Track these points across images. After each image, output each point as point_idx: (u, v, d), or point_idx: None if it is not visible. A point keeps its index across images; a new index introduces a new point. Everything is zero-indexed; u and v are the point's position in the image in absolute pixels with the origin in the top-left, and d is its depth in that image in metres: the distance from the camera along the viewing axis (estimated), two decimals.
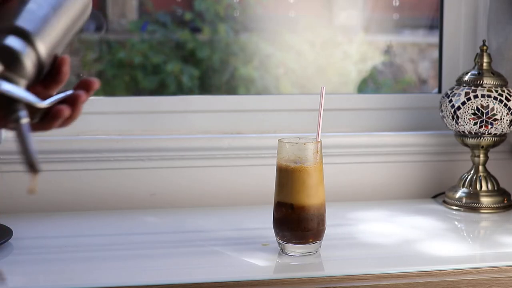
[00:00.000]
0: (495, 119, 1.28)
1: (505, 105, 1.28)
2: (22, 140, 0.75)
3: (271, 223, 1.04)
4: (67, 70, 0.75)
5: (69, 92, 0.76)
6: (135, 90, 1.67)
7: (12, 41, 0.69)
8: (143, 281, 0.93)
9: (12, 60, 0.69)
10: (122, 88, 1.68)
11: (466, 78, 1.32)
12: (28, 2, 0.72)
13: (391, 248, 1.09)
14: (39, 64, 0.71)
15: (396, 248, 1.10)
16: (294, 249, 1.02)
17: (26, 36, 0.70)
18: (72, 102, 0.75)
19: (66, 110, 0.75)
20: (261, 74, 1.61)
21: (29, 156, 0.76)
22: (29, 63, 0.70)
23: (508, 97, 1.29)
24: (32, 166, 0.76)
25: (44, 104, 0.73)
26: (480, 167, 1.33)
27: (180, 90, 1.78)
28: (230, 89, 1.65)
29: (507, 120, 1.29)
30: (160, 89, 1.82)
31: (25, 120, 0.73)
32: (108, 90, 1.70)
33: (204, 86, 1.74)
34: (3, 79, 0.69)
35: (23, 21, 0.70)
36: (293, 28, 1.70)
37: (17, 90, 0.69)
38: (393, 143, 1.41)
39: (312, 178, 1.00)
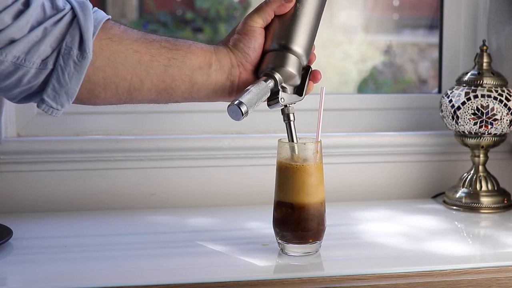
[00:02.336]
0: (495, 119, 1.28)
1: (505, 105, 1.28)
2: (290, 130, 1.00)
3: (271, 223, 1.04)
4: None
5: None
6: None
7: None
8: (143, 281, 0.93)
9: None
10: None
11: (466, 78, 1.32)
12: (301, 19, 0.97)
13: (391, 248, 1.09)
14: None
15: (396, 248, 1.09)
16: (294, 249, 1.02)
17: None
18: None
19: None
20: None
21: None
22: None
23: (508, 97, 1.29)
24: None
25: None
26: (480, 167, 1.33)
27: None
28: None
29: (507, 120, 1.29)
30: None
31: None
32: None
33: None
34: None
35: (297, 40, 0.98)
36: None
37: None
38: (393, 143, 1.41)
39: (312, 178, 1.00)
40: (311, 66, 1.01)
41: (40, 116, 1.33)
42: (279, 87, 0.96)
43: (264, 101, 0.96)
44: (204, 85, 0.94)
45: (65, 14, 0.84)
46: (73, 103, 0.89)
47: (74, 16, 0.85)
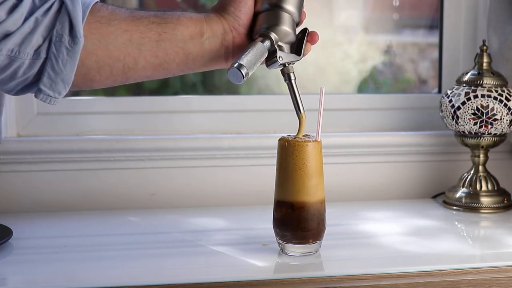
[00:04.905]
0: (495, 119, 1.28)
1: (505, 105, 1.28)
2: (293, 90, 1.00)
3: (271, 223, 1.04)
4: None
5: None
6: (136, 90, 1.67)
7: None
8: (143, 281, 0.93)
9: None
10: (123, 88, 1.68)
11: (466, 78, 1.32)
12: None
13: (391, 248, 1.09)
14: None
15: (396, 248, 1.09)
16: (294, 249, 1.02)
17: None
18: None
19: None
20: (263, 73, 1.61)
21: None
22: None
23: (508, 97, 1.29)
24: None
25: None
26: (480, 167, 1.33)
27: (183, 88, 1.78)
28: (232, 88, 1.65)
29: (507, 120, 1.29)
30: (164, 88, 1.82)
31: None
32: (108, 90, 1.70)
33: (206, 85, 1.74)
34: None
35: None
36: None
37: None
38: (393, 143, 1.41)
39: (312, 178, 1.00)
40: (308, 28, 1.01)
41: (40, 116, 1.33)
42: (276, 46, 0.96)
43: (263, 62, 0.96)
44: (199, 55, 0.94)
45: (54, 3, 0.85)
46: (70, 89, 0.89)
47: (62, 3, 0.85)
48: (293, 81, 1.00)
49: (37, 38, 0.84)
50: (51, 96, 0.87)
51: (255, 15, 0.97)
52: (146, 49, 0.90)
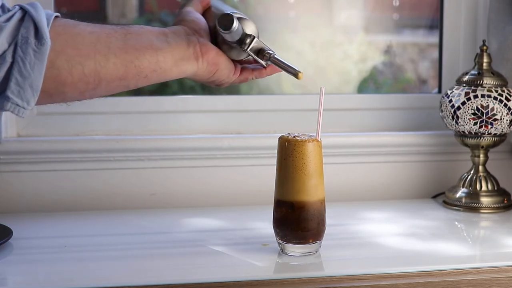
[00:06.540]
0: (495, 119, 1.28)
1: (505, 105, 1.28)
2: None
3: (271, 223, 1.04)
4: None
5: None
6: (136, 90, 1.68)
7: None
8: (143, 281, 0.93)
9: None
10: None
11: (466, 78, 1.32)
12: None
13: (391, 248, 1.09)
14: None
15: (396, 248, 1.10)
16: (294, 249, 1.02)
17: None
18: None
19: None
20: None
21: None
22: None
23: (508, 97, 1.29)
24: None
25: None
26: (480, 167, 1.33)
27: (182, 89, 1.78)
28: (232, 88, 1.65)
29: (507, 120, 1.29)
30: (162, 89, 1.82)
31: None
32: None
33: (204, 87, 1.74)
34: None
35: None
36: (293, 28, 1.70)
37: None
38: (393, 143, 1.41)
39: (312, 178, 1.00)
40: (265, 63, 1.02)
41: (40, 116, 1.33)
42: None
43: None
44: (168, 52, 0.94)
45: (16, 12, 0.85)
46: (41, 100, 0.87)
47: (25, 13, 0.85)
48: (275, 55, 1.00)
49: (2, 43, 0.82)
50: (19, 106, 0.84)
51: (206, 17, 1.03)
52: (115, 46, 0.90)
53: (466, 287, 0.97)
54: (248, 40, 0.97)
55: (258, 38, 0.99)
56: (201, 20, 1.01)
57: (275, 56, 1.00)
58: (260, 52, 1.00)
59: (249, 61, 1.05)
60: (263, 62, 1.00)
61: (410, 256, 1.06)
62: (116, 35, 0.91)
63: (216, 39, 1.00)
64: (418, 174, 1.43)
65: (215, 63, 0.98)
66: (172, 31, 0.97)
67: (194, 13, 1.01)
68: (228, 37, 0.96)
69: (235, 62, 1.01)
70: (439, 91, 1.50)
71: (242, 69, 1.03)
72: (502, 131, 1.30)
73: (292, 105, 1.42)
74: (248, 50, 0.98)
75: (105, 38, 0.90)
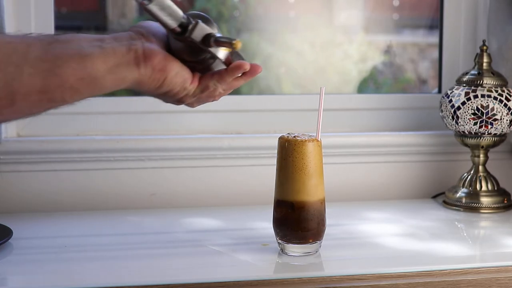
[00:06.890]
0: (495, 119, 1.28)
1: (505, 105, 1.28)
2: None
3: (271, 223, 1.04)
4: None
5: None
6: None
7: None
8: (143, 281, 0.93)
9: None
10: None
11: (466, 78, 1.32)
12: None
13: (391, 248, 1.09)
14: None
15: (396, 248, 1.10)
16: (294, 249, 1.02)
17: None
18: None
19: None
20: (263, 73, 1.61)
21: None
22: None
23: (508, 97, 1.29)
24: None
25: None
26: (480, 167, 1.33)
27: None
28: None
29: (507, 120, 1.29)
30: None
31: None
32: None
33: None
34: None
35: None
36: (293, 28, 1.70)
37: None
38: (393, 143, 1.41)
39: (312, 178, 1.00)
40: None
41: (40, 116, 1.33)
42: None
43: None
44: (99, 57, 0.82)
45: None
46: None
47: None
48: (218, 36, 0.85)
49: None
50: None
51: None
52: (33, 56, 0.79)
53: (466, 287, 0.97)
54: (190, 27, 0.84)
55: (217, 32, 0.85)
56: (153, 26, 0.89)
57: (217, 36, 0.85)
58: (206, 38, 0.85)
59: (212, 69, 0.91)
60: (212, 50, 0.86)
61: (410, 256, 1.06)
62: (39, 44, 0.80)
63: (169, 46, 0.88)
64: (418, 174, 1.43)
65: (161, 69, 0.85)
66: (113, 36, 0.85)
67: (151, 22, 0.89)
68: (160, 14, 0.84)
69: (194, 70, 0.89)
70: (439, 91, 1.50)
71: (201, 77, 0.90)
72: (502, 131, 1.30)
73: (292, 105, 1.42)
74: (192, 36, 0.84)
75: (24, 48, 0.79)
